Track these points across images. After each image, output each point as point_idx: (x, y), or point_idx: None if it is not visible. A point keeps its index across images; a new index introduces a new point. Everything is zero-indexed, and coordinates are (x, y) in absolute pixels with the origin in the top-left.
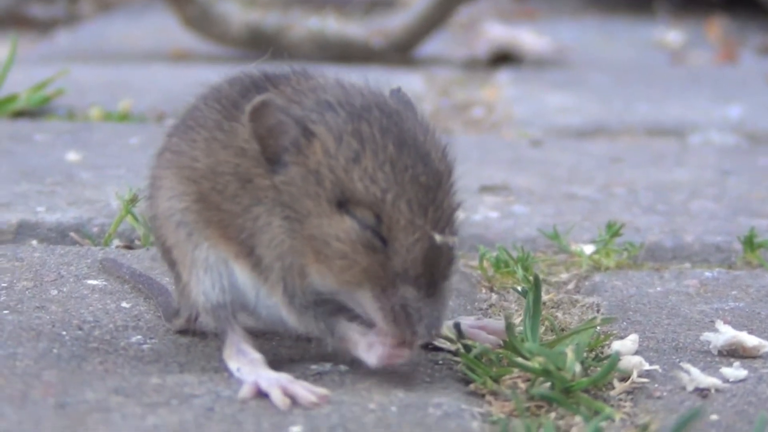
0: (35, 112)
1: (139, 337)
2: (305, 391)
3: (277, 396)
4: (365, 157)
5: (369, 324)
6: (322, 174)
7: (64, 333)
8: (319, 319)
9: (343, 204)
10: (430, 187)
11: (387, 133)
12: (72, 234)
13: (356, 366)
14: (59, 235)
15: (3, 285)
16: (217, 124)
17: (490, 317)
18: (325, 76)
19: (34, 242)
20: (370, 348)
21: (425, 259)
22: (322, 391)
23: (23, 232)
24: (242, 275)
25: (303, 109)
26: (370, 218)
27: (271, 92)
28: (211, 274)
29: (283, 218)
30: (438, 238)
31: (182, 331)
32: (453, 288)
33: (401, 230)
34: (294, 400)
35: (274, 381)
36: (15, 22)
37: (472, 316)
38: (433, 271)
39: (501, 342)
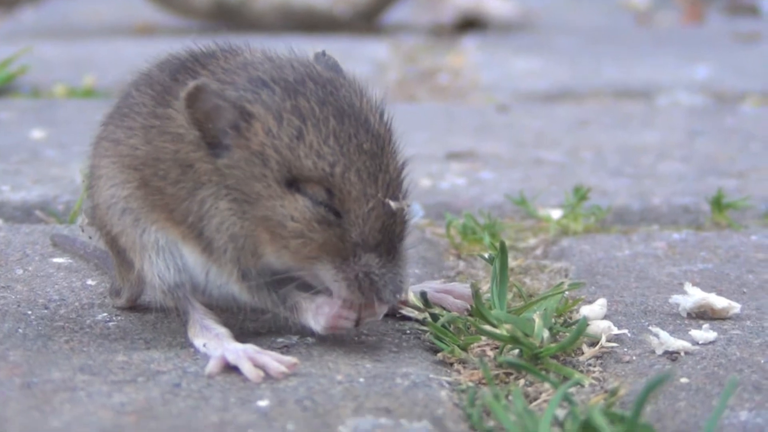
0: None
1: (105, 314)
2: (274, 361)
3: (247, 368)
4: (308, 133)
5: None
6: (267, 155)
7: (29, 312)
8: (272, 292)
9: (293, 182)
10: (375, 153)
11: (325, 104)
12: (37, 212)
13: (323, 337)
14: (24, 214)
15: None
16: (151, 110)
17: None
18: (252, 50)
19: (0, 221)
20: (318, 312)
21: (382, 226)
22: (290, 359)
23: None
24: (191, 257)
25: (237, 90)
26: (321, 193)
27: (201, 74)
28: (164, 256)
29: (231, 200)
30: (392, 204)
31: (126, 308)
32: (410, 248)
33: (354, 201)
34: (264, 371)
35: (241, 352)
36: None
37: (438, 280)
38: (391, 237)
39: (468, 306)
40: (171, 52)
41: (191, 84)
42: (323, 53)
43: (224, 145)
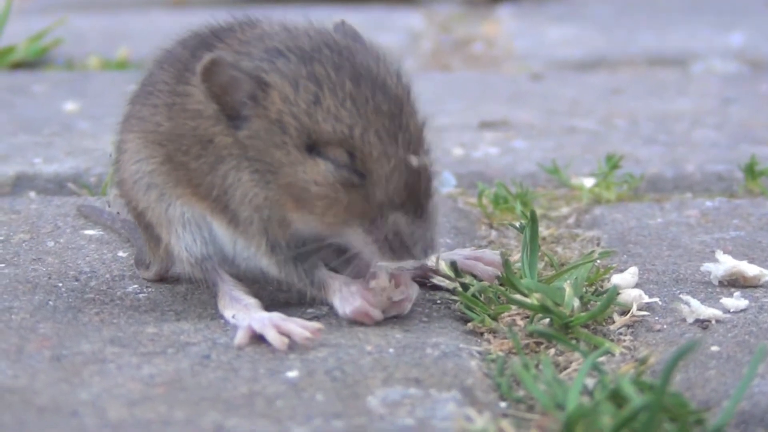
0: (33, 62)
1: (135, 286)
2: (298, 327)
3: (272, 335)
4: (325, 97)
5: (352, 275)
6: (286, 122)
7: (60, 285)
8: (299, 267)
9: (313, 147)
10: (394, 113)
11: (341, 69)
12: (70, 184)
13: None
14: (57, 186)
15: (0, 238)
16: (172, 88)
17: None
18: (270, 22)
19: (32, 194)
20: (349, 298)
21: (406, 184)
22: (315, 325)
23: (21, 184)
24: (219, 230)
25: (253, 60)
26: (342, 156)
27: (218, 48)
28: (191, 229)
29: (253, 172)
30: (413, 160)
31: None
32: (438, 207)
33: (376, 161)
34: (289, 338)
35: (266, 320)
36: None
37: (468, 249)
38: (417, 194)
39: (498, 273)
40: (193, 29)
41: (206, 57)
42: (342, 23)
43: (243, 117)
